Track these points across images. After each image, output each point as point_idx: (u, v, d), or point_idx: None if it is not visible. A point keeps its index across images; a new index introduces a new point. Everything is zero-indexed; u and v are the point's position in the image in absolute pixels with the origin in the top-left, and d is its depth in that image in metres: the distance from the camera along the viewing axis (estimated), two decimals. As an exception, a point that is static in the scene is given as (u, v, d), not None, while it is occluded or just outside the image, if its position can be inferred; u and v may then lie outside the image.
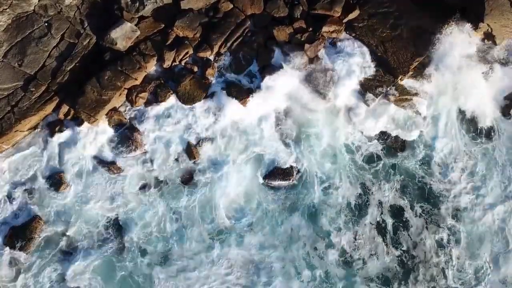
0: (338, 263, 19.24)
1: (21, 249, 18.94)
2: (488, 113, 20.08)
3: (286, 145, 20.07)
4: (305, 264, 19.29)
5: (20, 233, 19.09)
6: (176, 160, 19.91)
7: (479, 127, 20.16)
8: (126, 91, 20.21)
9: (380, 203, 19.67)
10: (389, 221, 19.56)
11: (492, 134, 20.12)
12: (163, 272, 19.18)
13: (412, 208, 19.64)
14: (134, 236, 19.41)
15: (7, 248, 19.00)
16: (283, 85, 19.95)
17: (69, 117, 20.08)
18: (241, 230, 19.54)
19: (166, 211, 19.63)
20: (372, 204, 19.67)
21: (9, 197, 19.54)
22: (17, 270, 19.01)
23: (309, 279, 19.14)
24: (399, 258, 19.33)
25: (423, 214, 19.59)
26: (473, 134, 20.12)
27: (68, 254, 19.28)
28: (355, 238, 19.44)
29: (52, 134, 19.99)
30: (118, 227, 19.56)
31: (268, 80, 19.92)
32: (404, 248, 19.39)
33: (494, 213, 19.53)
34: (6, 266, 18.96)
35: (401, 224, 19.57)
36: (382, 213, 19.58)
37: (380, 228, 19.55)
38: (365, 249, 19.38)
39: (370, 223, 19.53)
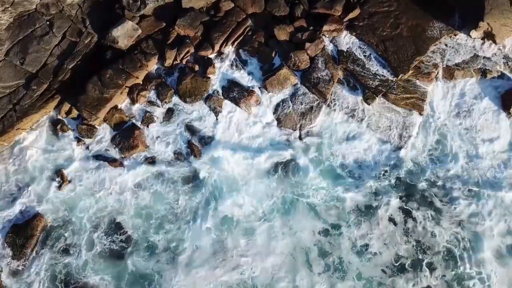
0: (349, 251, 19.00)
1: (21, 246, 18.98)
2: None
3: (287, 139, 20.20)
4: (316, 251, 19.03)
5: (22, 230, 19.14)
6: (179, 157, 19.93)
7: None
8: (127, 89, 20.31)
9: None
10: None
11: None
12: (172, 266, 19.05)
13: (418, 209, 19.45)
14: (140, 232, 19.36)
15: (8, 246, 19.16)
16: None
17: (70, 115, 20.17)
18: (250, 220, 19.38)
19: (170, 206, 19.58)
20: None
21: (11, 195, 19.64)
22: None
23: (321, 270, 18.86)
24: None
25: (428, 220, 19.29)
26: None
27: (69, 251, 19.31)
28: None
29: (55, 132, 20.13)
30: (120, 224, 19.50)
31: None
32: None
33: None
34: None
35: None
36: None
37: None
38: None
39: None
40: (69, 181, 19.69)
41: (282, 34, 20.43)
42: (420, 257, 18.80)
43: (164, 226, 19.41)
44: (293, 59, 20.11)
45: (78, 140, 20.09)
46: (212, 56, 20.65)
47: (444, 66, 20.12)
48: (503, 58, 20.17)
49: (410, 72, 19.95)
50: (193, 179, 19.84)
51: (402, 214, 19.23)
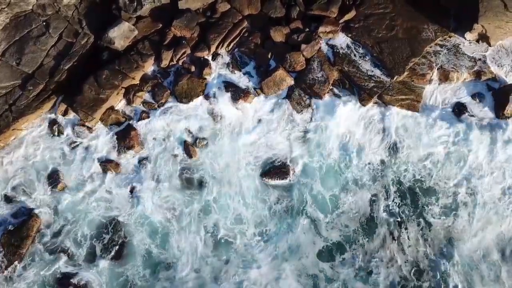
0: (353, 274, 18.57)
1: (17, 247, 18.87)
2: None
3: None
4: (321, 275, 18.58)
5: (17, 231, 19.03)
6: (175, 159, 19.81)
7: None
8: (123, 90, 20.33)
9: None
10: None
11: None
12: (166, 281, 18.64)
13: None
14: (134, 239, 19.02)
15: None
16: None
17: (67, 116, 20.17)
18: (245, 236, 19.01)
19: (165, 214, 19.26)
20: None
21: (7, 195, 19.56)
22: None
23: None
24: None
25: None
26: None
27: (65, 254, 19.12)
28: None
29: (51, 132, 20.11)
30: (117, 229, 19.22)
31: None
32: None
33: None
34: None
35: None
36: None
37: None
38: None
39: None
40: (65, 183, 19.67)
41: (278, 35, 20.52)
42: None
43: (163, 235, 19.01)
44: (289, 61, 20.17)
45: (74, 141, 20.08)
46: (208, 57, 20.70)
47: (439, 67, 20.23)
48: (497, 60, 20.30)
49: (406, 73, 20.05)
50: (191, 183, 19.63)
51: (400, 228, 19.07)
